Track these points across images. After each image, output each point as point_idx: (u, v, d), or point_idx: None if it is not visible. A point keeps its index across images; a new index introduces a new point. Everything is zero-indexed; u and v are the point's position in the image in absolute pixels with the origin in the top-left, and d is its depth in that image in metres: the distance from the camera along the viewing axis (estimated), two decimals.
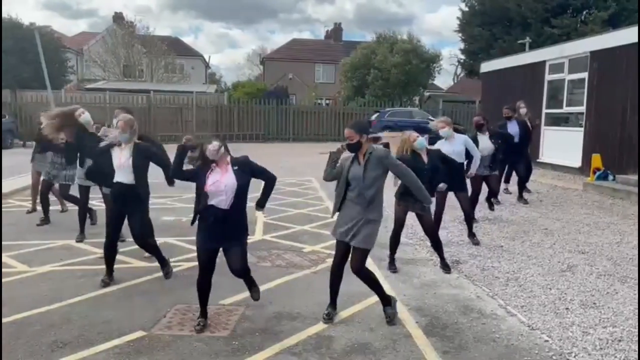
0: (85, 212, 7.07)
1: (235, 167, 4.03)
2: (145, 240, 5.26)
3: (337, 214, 4.34)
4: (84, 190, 6.91)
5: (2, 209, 8.86)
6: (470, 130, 8.16)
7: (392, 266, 5.73)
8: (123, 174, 5.00)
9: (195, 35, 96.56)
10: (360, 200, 4.14)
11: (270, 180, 4.25)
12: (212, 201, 3.95)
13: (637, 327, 4.22)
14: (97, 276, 5.35)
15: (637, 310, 4.55)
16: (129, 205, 5.04)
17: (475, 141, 7.45)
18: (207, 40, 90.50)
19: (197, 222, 4.09)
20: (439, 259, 5.81)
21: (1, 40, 23.66)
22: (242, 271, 4.14)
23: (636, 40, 11.11)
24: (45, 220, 7.77)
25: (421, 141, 5.60)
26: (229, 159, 4.06)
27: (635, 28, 11.36)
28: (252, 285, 4.35)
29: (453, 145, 6.58)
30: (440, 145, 6.44)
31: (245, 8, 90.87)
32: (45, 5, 79.65)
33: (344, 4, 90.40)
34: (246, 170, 4.07)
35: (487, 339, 4.04)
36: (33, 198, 8.56)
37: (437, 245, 5.74)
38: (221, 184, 3.94)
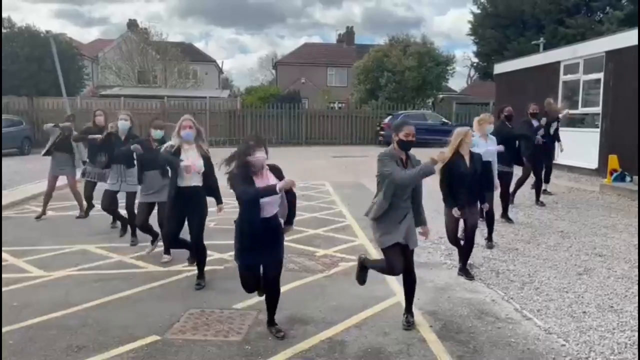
0: (118, 216, 7.34)
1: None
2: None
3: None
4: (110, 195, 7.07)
5: (20, 215, 9.00)
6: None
7: (467, 274, 5.60)
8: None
9: (205, 42, 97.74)
10: (409, 203, 4.22)
11: None
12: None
13: None
14: (113, 281, 5.42)
15: None
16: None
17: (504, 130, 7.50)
18: (218, 46, 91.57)
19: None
20: (459, 264, 5.69)
21: (1, 43, 23.93)
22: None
23: None
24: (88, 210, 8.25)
25: (475, 140, 5.50)
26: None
27: None
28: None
29: (487, 145, 6.53)
30: (476, 144, 6.33)
31: (254, 13, 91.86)
32: (58, 14, 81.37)
33: (352, 8, 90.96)
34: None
35: (502, 344, 3.99)
36: (45, 203, 8.63)
37: (469, 248, 5.62)
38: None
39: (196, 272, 5.34)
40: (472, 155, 5.46)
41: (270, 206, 3.93)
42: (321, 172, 14.72)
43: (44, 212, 8.59)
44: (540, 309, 4.65)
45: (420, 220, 4.34)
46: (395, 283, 5.34)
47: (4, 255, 6.31)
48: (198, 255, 5.34)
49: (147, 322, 4.34)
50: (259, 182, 3.87)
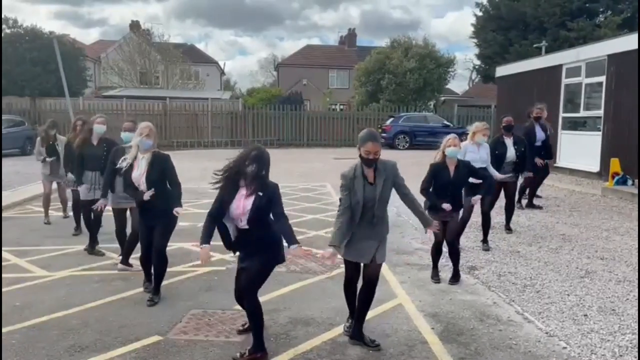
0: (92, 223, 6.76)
1: None
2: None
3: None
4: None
5: (21, 215, 9.02)
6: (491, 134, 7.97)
7: (436, 277, 5.54)
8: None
9: (205, 43, 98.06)
10: (377, 221, 3.84)
11: None
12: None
13: None
14: (115, 281, 5.44)
15: None
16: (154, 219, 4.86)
17: (503, 145, 7.34)
18: (218, 48, 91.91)
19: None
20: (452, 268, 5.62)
21: (1, 44, 23.95)
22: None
23: None
24: (79, 229, 7.62)
25: (453, 151, 5.35)
26: None
27: None
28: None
29: (480, 152, 6.53)
30: (467, 150, 6.30)
31: (252, 15, 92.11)
32: (57, 15, 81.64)
33: (349, 11, 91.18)
34: None
35: (503, 346, 4.00)
36: (45, 209, 8.42)
37: (455, 255, 5.51)
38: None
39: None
40: (458, 163, 5.40)
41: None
42: (322, 173, 14.72)
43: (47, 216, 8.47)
44: (542, 312, 4.65)
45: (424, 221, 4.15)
46: (397, 285, 5.35)
47: (6, 255, 6.33)
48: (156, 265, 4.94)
49: (149, 323, 4.35)
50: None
